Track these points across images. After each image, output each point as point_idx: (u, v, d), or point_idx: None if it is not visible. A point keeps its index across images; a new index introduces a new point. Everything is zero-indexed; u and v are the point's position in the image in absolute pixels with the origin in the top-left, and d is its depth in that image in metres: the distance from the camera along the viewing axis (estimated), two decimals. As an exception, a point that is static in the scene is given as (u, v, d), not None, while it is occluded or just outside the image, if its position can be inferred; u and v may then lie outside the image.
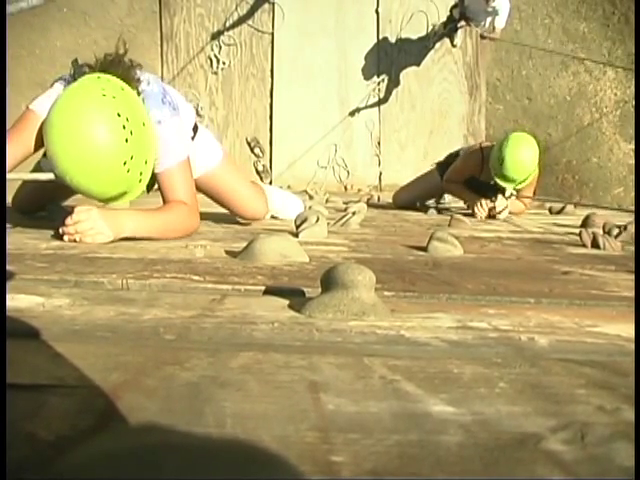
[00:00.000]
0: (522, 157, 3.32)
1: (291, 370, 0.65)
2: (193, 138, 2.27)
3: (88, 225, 1.66)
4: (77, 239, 1.66)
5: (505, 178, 3.36)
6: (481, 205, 3.39)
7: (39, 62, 5.84)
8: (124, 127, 1.66)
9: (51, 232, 1.81)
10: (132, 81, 1.82)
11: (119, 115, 1.66)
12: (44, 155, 2.20)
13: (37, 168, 2.28)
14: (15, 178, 1.89)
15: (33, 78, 5.58)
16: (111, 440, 0.45)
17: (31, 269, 1.23)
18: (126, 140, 1.67)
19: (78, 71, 1.83)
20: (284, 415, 0.53)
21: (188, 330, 0.81)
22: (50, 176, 1.72)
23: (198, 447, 0.39)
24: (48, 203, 2.49)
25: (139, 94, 1.83)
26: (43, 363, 0.65)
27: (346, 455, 0.45)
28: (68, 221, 1.67)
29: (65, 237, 1.67)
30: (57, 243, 1.64)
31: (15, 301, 0.93)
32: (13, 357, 0.64)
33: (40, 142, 1.82)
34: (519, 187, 3.43)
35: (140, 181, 1.79)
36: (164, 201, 1.95)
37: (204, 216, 2.62)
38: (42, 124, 1.72)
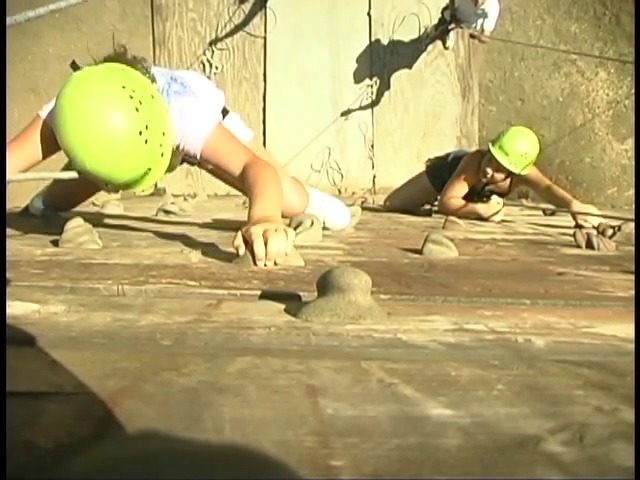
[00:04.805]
0: (523, 137, 3.53)
1: (289, 375, 0.65)
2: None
3: (284, 244, 1.44)
4: (280, 261, 1.45)
5: (502, 148, 3.48)
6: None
7: (32, 68, 5.82)
8: (131, 97, 1.62)
9: (45, 238, 1.80)
10: (141, 69, 1.79)
11: (124, 87, 1.62)
12: None
13: (68, 165, 2.27)
14: (37, 178, 1.87)
15: (26, 84, 5.56)
16: (110, 447, 0.45)
17: (26, 276, 1.23)
18: (136, 109, 1.62)
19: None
20: (283, 420, 0.52)
21: (185, 335, 0.81)
22: (73, 174, 1.69)
23: (198, 453, 0.39)
24: (82, 200, 2.48)
25: (153, 82, 1.80)
26: (40, 370, 0.65)
27: (346, 459, 0.45)
28: (271, 254, 1.42)
29: (265, 263, 1.42)
30: (52, 249, 1.64)
31: (11, 308, 0.93)
32: (9, 364, 0.64)
33: (48, 149, 1.80)
34: (512, 167, 3.49)
35: (162, 155, 1.73)
36: (230, 173, 1.88)
37: (199, 221, 2.62)
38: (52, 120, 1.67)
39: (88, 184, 1.94)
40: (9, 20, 1.10)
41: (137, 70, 1.76)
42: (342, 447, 0.47)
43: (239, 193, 2.46)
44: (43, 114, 1.81)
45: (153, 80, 1.82)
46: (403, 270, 1.43)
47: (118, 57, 1.79)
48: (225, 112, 2.30)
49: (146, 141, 1.64)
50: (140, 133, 1.62)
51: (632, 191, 6.24)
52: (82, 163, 1.62)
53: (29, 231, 2.04)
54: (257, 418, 0.53)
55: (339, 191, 6.56)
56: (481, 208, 3.50)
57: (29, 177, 1.80)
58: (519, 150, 3.45)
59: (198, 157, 1.89)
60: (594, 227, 2.78)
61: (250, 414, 0.54)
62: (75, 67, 1.80)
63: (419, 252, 1.72)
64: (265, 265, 1.41)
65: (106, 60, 1.79)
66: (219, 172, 2.15)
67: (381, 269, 1.42)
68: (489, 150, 3.53)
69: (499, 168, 3.51)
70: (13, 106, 4.56)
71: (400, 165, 6.59)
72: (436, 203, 4.08)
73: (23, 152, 1.77)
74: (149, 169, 1.73)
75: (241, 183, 1.87)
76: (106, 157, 1.62)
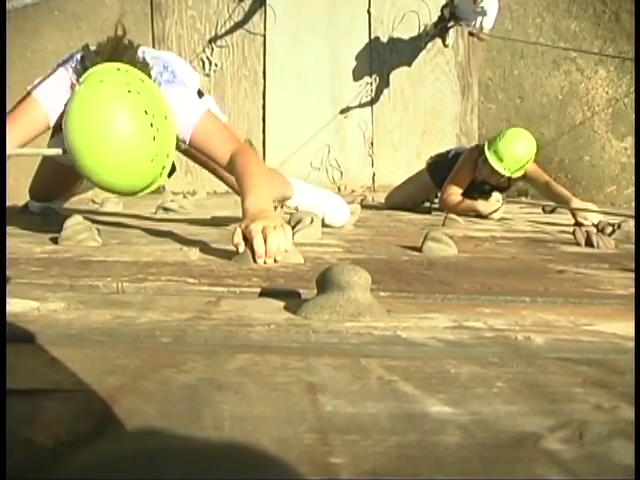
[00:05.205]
0: (518, 142, 3.50)
1: (288, 372, 0.65)
2: None
3: (284, 241, 1.44)
4: (279, 258, 1.44)
5: (497, 153, 3.47)
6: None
7: (30, 66, 5.80)
8: (152, 125, 1.64)
9: (45, 236, 1.80)
10: (143, 67, 1.79)
11: (146, 113, 1.64)
12: (52, 136, 2.17)
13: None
14: (17, 154, 1.86)
15: (24, 82, 5.54)
16: (110, 445, 0.45)
17: (25, 273, 1.22)
18: (154, 138, 1.65)
19: (89, 58, 1.78)
20: (282, 417, 0.52)
21: (184, 333, 0.81)
22: (58, 151, 1.69)
23: (197, 450, 0.39)
24: (66, 189, 2.48)
25: (150, 78, 1.80)
26: (39, 368, 0.65)
27: (345, 456, 0.45)
28: (270, 251, 1.41)
29: (265, 260, 1.41)
30: (51, 247, 1.64)
31: (10, 305, 0.93)
32: (9, 362, 0.64)
33: (39, 130, 1.80)
34: (506, 172, 3.50)
35: (161, 174, 1.78)
36: (217, 161, 1.90)
37: (198, 219, 2.61)
38: (63, 120, 1.66)
39: (70, 174, 1.98)
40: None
41: (143, 71, 1.76)
42: (341, 444, 0.47)
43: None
44: (36, 94, 1.81)
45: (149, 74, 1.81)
46: (402, 268, 1.43)
47: (120, 50, 1.78)
48: (200, 95, 2.30)
49: (154, 166, 1.70)
50: (152, 161, 1.68)
51: (631, 189, 6.23)
52: (89, 174, 1.66)
53: (28, 229, 2.04)
54: (256, 415, 0.53)
55: (338, 189, 6.54)
56: (481, 205, 3.50)
57: (13, 153, 1.79)
58: (514, 156, 3.45)
59: (187, 142, 1.90)
60: (594, 225, 2.78)
61: (249, 411, 0.54)
62: (87, 51, 1.79)
63: (418, 250, 1.72)
64: (265, 262, 1.41)
65: (110, 48, 1.78)
66: (206, 160, 2.14)
67: (380, 266, 1.42)
68: (484, 152, 3.53)
69: (494, 171, 3.52)
70: (11, 104, 4.55)
71: (399, 163, 6.58)
72: (436, 200, 4.08)
73: (15, 133, 1.76)
74: (147, 185, 1.78)
75: (228, 171, 1.89)
76: (115, 175, 1.67)
